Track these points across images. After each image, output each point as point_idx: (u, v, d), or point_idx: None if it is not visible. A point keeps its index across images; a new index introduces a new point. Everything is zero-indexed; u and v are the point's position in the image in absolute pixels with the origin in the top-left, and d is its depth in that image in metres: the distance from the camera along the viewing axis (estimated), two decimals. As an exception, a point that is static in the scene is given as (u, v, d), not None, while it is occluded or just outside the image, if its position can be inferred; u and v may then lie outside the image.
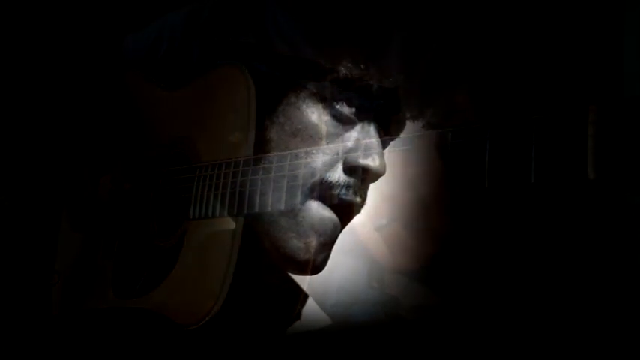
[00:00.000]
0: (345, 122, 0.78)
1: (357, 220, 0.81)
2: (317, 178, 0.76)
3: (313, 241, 0.78)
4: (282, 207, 0.77)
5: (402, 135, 0.85)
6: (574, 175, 0.54)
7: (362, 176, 0.78)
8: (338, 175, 0.77)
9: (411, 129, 0.84)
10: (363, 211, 0.82)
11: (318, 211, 0.78)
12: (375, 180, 0.80)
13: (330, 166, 0.77)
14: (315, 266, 0.79)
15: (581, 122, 0.54)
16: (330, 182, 0.77)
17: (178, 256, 0.90)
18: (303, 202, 0.77)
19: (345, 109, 0.77)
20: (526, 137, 0.57)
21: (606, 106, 0.53)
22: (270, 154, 0.78)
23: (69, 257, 1.15)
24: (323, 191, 0.77)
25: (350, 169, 0.78)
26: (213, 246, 0.85)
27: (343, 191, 0.77)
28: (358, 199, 0.80)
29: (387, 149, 0.82)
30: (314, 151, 0.76)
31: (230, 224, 0.83)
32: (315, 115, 0.77)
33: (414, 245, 0.66)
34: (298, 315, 0.85)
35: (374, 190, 0.79)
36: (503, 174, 0.59)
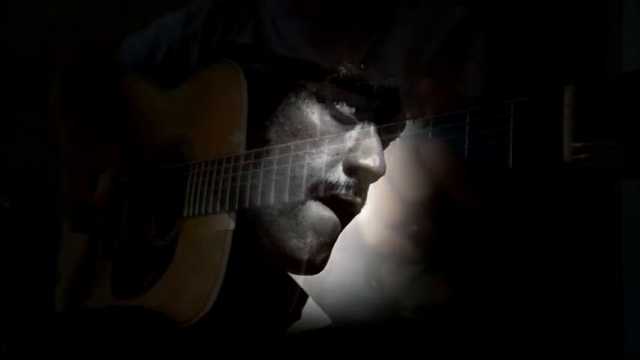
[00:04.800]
0: (345, 122, 0.78)
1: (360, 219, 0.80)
2: (317, 178, 0.76)
3: (313, 241, 0.78)
4: (280, 205, 0.77)
5: (402, 134, 0.85)
6: (551, 159, 0.53)
7: (362, 176, 0.78)
8: (338, 175, 0.77)
9: (411, 129, 0.84)
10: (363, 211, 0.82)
11: (318, 211, 0.78)
12: (375, 180, 0.80)
13: (330, 166, 0.77)
14: (315, 266, 0.79)
15: (557, 104, 0.53)
16: (330, 182, 0.77)
17: (173, 255, 0.90)
18: (302, 202, 0.77)
19: (345, 109, 0.77)
20: (504, 121, 0.56)
21: (583, 86, 0.52)
22: (266, 152, 0.78)
23: (70, 257, 1.15)
24: (323, 191, 0.77)
25: (350, 169, 0.77)
26: (206, 243, 0.85)
27: (343, 191, 0.77)
28: (358, 199, 0.80)
29: (387, 149, 0.82)
30: (314, 151, 0.76)
31: (223, 220, 0.83)
32: (315, 115, 0.77)
33: (407, 247, 0.65)
34: (298, 315, 0.85)
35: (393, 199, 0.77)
36: (481, 158, 0.59)
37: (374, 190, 0.71)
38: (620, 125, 0.49)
